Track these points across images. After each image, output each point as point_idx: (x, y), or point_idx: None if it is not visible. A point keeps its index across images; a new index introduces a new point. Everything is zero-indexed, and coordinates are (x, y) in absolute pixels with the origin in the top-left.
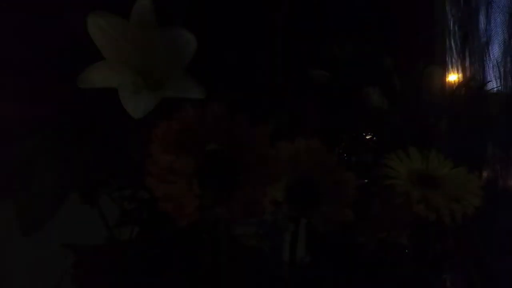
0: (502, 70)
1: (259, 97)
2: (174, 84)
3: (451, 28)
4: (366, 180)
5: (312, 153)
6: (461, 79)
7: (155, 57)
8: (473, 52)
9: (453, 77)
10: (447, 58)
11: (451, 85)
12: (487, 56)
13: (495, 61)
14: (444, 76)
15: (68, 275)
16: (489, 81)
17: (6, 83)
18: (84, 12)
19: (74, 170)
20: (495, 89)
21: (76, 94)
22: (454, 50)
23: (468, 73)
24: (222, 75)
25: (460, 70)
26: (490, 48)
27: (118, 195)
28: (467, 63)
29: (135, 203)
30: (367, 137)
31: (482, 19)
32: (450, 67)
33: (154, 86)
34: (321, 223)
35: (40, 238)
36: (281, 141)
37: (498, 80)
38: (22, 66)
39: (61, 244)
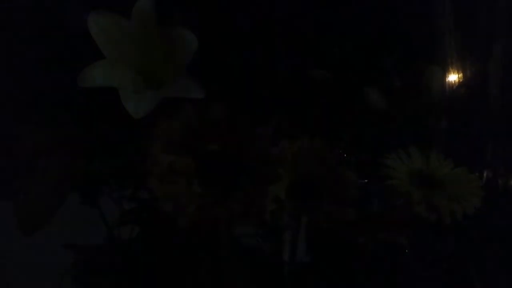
0: (502, 70)
1: (260, 97)
2: (175, 83)
3: (451, 28)
4: (366, 180)
5: (314, 152)
6: (461, 79)
7: (155, 57)
8: (473, 52)
9: (453, 77)
10: (447, 58)
11: (451, 85)
12: (487, 55)
13: (496, 60)
14: (444, 76)
15: (68, 275)
16: (490, 81)
17: (6, 82)
18: (86, 11)
19: (74, 170)
20: (495, 89)
21: (77, 93)
22: (454, 50)
23: (468, 73)
24: (222, 75)
25: (460, 70)
26: (490, 47)
27: (118, 195)
28: (467, 63)
29: (135, 203)
30: (367, 137)
31: (482, 18)
32: (450, 67)
33: (154, 86)
34: (322, 221)
35: (40, 238)
36: (283, 140)
37: (498, 80)
38: (22, 65)
39: (61, 244)
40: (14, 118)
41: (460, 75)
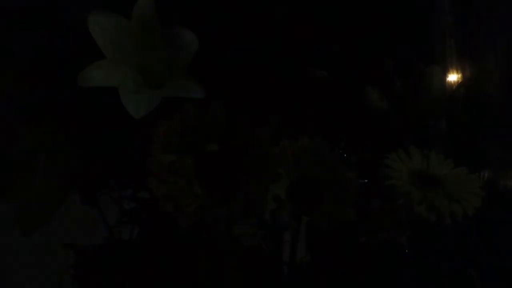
0: (502, 69)
1: (260, 97)
2: (175, 83)
3: (451, 28)
4: (366, 180)
5: (314, 152)
6: (461, 79)
7: (156, 57)
8: (473, 52)
9: (453, 77)
10: (447, 58)
11: (451, 85)
12: (487, 55)
13: (495, 60)
14: (444, 76)
15: (68, 275)
16: (489, 81)
17: (6, 82)
18: (86, 11)
19: (74, 170)
20: (495, 89)
21: (77, 93)
22: (454, 50)
23: (468, 73)
24: (222, 75)
25: (460, 70)
26: (490, 47)
27: (118, 195)
28: (467, 63)
29: (135, 203)
30: (367, 137)
31: (482, 18)
32: (450, 67)
33: (155, 86)
34: (323, 221)
35: (40, 238)
36: (283, 140)
37: (498, 80)
38: (22, 64)
39: (61, 244)
40: (14, 118)
41: (460, 75)
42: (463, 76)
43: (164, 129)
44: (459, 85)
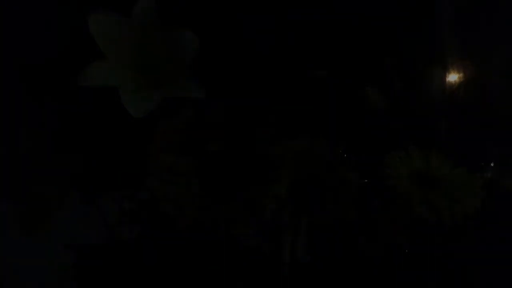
0: (502, 69)
1: (260, 97)
2: (176, 83)
3: (451, 28)
4: (366, 180)
5: (315, 151)
6: (461, 79)
7: (156, 57)
8: (473, 52)
9: (453, 77)
10: (447, 58)
11: (451, 85)
12: (487, 55)
13: (496, 60)
14: (444, 76)
15: (68, 275)
16: (490, 81)
17: (7, 81)
18: (86, 10)
19: (74, 170)
20: (495, 89)
21: (77, 92)
22: (454, 50)
23: (468, 73)
24: (223, 76)
25: (460, 70)
26: (490, 47)
27: (118, 195)
28: (467, 63)
29: (135, 203)
30: (367, 137)
31: (482, 18)
32: (450, 67)
33: (155, 86)
34: (323, 221)
35: (40, 238)
36: (283, 140)
37: (498, 80)
38: (23, 64)
39: (61, 244)
40: (14, 118)
41: (460, 75)
42: (463, 76)
43: (164, 129)
44: (460, 85)
